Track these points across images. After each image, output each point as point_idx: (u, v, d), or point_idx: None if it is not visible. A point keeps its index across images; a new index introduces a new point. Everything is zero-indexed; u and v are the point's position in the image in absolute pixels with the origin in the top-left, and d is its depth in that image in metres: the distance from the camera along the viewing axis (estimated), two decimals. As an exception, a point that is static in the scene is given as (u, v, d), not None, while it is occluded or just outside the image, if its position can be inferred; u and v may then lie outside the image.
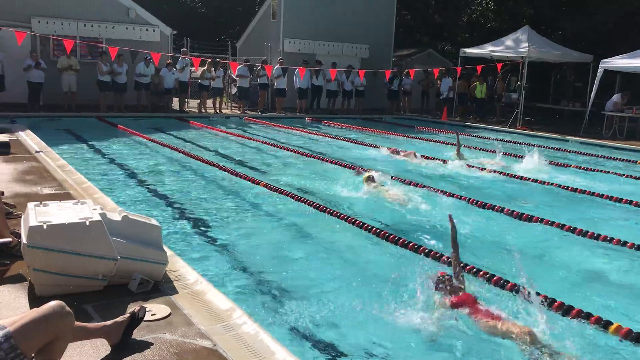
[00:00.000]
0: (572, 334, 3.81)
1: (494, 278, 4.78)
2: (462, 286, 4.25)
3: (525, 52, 18.19)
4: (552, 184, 9.09)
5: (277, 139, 14.04)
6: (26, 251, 3.51)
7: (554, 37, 21.43)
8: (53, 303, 2.61)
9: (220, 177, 9.03)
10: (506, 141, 15.37)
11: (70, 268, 3.55)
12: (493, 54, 19.49)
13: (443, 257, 5.21)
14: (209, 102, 19.05)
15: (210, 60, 18.77)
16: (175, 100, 19.00)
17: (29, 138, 10.21)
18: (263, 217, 6.98)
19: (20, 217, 4.39)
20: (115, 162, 10.03)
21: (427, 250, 5.43)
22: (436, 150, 12.37)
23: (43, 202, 3.91)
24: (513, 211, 7.11)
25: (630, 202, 8.00)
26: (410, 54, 25.80)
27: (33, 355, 2.55)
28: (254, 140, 13.58)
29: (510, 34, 19.68)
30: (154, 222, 4.09)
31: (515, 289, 4.49)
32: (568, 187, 8.84)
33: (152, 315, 3.38)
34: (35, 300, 3.49)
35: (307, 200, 7.31)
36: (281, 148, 12.37)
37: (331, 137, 14.65)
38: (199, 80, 18.95)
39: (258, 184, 8.31)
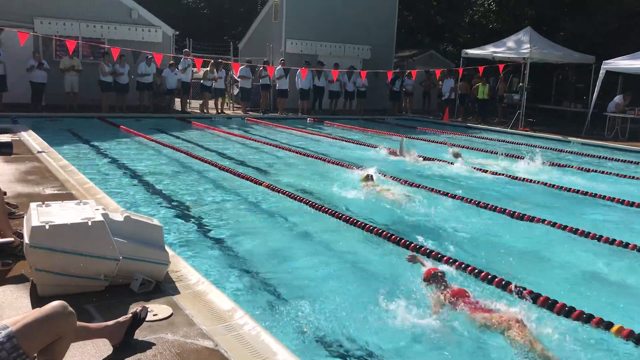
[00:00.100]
0: (573, 334, 3.81)
1: (496, 279, 4.78)
2: None
3: (527, 53, 18.17)
4: (553, 185, 9.08)
5: (278, 139, 14.04)
6: (28, 251, 3.51)
7: (556, 38, 21.41)
8: (55, 303, 2.62)
9: (222, 177, 9.04)
10: (508, 142, 15.37)
11: (72, 268, 3.55)
12: (495, 55, 19.48)
13: (445, 258, 5.21)
14: (211, 103, 19.07)
15: (212, 61, 18.78)
16: (177, 101, 19.02)
17: (31, 138, 10.23)
18: (265, 217, 6.98)
19: (23, 217, 4.40)
20: (117, 162, 10.04)
21: (428, 251, 5.43)
22: (437, 151, 12.37)
23: (45, 202, 3.92)
24: (514, 212, 7.11)
25: (632, 204, 7.99)
26: (412, 54, 25.80)
27: (35, 355, 2.56)
28: (255, 141, 13.59)
29: (512, 35, 19.67)
30: (155, 222, 4.09)
31: (517, 290, 4.51)
32: (570, 188, 8.83)
33: (153, 315, 3.39)
34: (37, 300, 3.50)
35: (309, 201, 7.31)
36: (283, 149, 12.38)
37: (333, 138, 14.65)
38: (201, 81, 18.97)
39: (260, 184, 8.31)
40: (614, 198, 8.24)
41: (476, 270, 4.97)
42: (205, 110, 18.79)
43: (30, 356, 2.49)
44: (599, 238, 6.21)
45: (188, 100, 19.04)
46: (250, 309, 3.86)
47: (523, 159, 11.15)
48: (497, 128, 18.47)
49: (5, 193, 5.34)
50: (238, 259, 5.38)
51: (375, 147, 12.52)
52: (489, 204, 7.48)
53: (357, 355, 3.68)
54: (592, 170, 10.89)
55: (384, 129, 17.29)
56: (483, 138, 16.19)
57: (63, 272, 3.54)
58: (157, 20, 19.16)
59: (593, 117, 17.66)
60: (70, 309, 2.64)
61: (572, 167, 11.28)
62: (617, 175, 10.56)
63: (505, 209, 7.25)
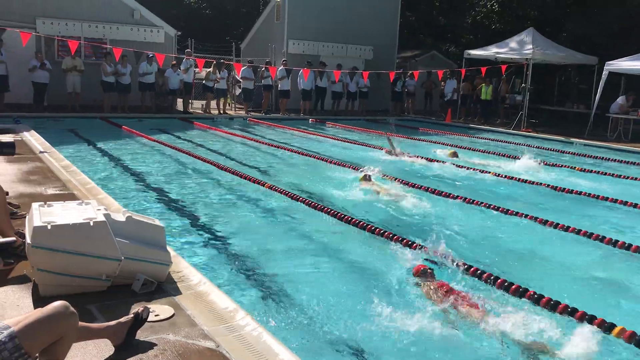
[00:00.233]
0: (574, 335, 3.81)
1: (498, 280, 4.77)
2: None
3: (530, 53, 18.15)
4: (556, 186, 9.06)
5: (280, 140, 14.04)
6: (30, 251, 3.51)
7: (559, 39, 21.39)
8: (57, 303, 2.62)
9: (224, 178, 9.03)
10: (510, 143, 15.36)
11: (74, 268, 3.55)
12: (497, 55, 19.46)
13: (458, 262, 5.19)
14: (213, 104, 19.08)
15: (215, 61, 18.79)
16: (179, 101, 19.03)
17: (33, 138, 10.24)
18: (267, 217, 6.98)
19: (25, 217, 4.40)
20: (119, 162, 10.05)
21: (423, 247, 5.46)
22: (437, 152, 12.37)
23: (47, 203, 3.92)
24: (517, 212, 7.11)
25: (635, 205, 7.97)
26: (414, 55, 25.79)
27: (37, 355, 2.55)
28: (257, 141, 13.59)
29: (515, 35, 19.65)
30: (157, 222, 4.09)
31: (520, 291, 4.51)
32: (572, 189, 8.81)
33: (155, 315, 3.39)
34: (39, 300, 3.50)
35: (311, 201, 7.31)
36: (285, 149, 12.38)
37: (334, 139, 14.64)
38: (204, 82, 18.99)
39: (262, 185, 8.31)
40: (616, 199, 8.23)
41: (475, 270, 4.97)
42: (207, 111, 18.80)
43: (32, 356, 2.49)
44: (602, 239, 6.19)
45: (190, 101, 19.06)
46: (252, 310, 3.85)
47: (524, 159, 11.14)
48: (500, 129, 18.45)
49: (7, 193, 5.34)
50: (240, 260, 5.37)
51: (374, 148, 12.53)
52: (491, 204, 7.47)
53: (359, 355, 3.67)
54: (595, 172, 10.87)
55: (386, 129, 17.26)
56: (485, 139, 16.18)
57: (65, 272, 3.54)
58: (160, 21, 19.18)
59: (596, 118, 17.63)
60: (72, 309, 2.64)
61: (574, 168, 11.26)
62: (620, 176, 10.54)
63: (507, 210, 7.25)
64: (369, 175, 8.48)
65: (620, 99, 17.35)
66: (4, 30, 15.37)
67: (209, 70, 18.85)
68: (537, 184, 9.28)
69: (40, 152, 8.96)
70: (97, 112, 16.43)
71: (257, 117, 18.83)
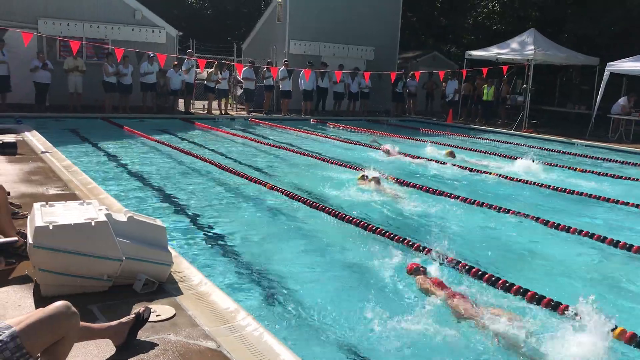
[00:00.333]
0: (574, 335, 3.80)
1: (500, 281, 4.78)
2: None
3: (531, 54, 18.14)
4: (557, 187, 9.05)
5: (282, 140, 14.05)
6: (32, 251, 3.52)
7: (560, 39, 21.38)
8: (59, 303, 2.62)
9: (225, 178, 9.04)
10: (511, 144, 15.35)
11: (75, 268, 3.56)
12: (499, 56, 19.45)
13: (448, 258, 5.20)
14: (214, 104, 19.09)
15: (216, 62, 18.81)
16: (181, 102, 19.05)
17: (34, 138, 10.25)
18: (268, 218, 6.98)
19: (26, 217, 4.41)
20: (121, 163, 10.06)
21: (421, 247, 5.52)
22: (439, 152, 12.38)
23: (49, 203, 3.93)
24: (518, 212, 7.11)
25: (637, 206, 7.97)
26: (416, 56, 25.79)
27: (39, 355, 2.56)
28: (259, 142, 13.59)
29: (516, 36, 19.65)
30: (159, 222, 4.10)
31: (521, 291, 4.52)
32: (574, 190, 8.81)
33: (156, 316, 3.39)
34: (40, 300, 3.51)
35: (312, 202, 7.31)
36: (286, 150, 12.38)
37: (335, 139, 14.64)
38: (205, 82, 19.01)
39: (264, 185, 8.32)
40: (617, 200, 8.23)
41: (469, 267, 4.97)
42: (208, 111, 18.81)
43: (34, 356, 2.50)
44: (603, 239, 6.19)
45: (191, 101, 19.07)
46: (253, 310, 3.85)
47: (525, 160, 11.15)
48: (501, 130, 18.44)
49: (9, 193, 5.34)
50: (241, 260, 5.38)
51: (374, 148, 12.55)
52: (492, 205, 7.47)
53: (360, 355, 3.67)
54: (596, 172, 10.86)
55: (387, 130, 17.28)
56: (486, 139, 16.17)
57: (66, 272, 3.55)
58: (161, 21, 19.20)
59: (597, 119, 17.62)
60: (74, 309, 2.65)
61: (575, 169, 11.25)
62: (621, 177, 10.53)
63: (509, 210, 7.25)
64: (366, 175, 8.57)
65: (622, 100, 17.34)
66: (5, 31, 15.39)
67: (210, 70, 18.86)
68: (538, 184, 9.28)
69: (42, 152, 8.97)
70: (99, 113, 16.44)
71: (259, 117, 18.84)
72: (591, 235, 6.30)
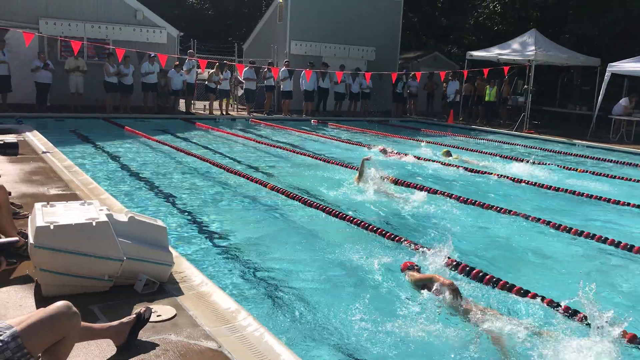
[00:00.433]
0: (575, 336, 3.81)
1: (500, 282, 4.78)
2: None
3: (532, 55, 18.13)
4: (557, 188, 9.05)
5: (283, 140, 14.05)
6: (33, 251, 3.52)
7: (561, 40, 21.37)
8: (60, 303, 2.62)
9: (226, 178, 9.04)
10: (512, 144, 15.35)
11: (76, 268, 3.56)
12: (500, 57, 19.44)
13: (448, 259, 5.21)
14: (215, 104, 19.10)
15: (218, 63, 18.82)
16: (182, 102, 19.06)
17: (35, 139, 10.26)
18: (269, 218, 6.98)
19: (27, 217, 4.41)
20: (122, 163, 10.06)
21: (418, 247, 5.53)
22: (437, 152, 12.41)
23: (50, 203, 3.93)
24: (519, 213, 7.11)
25: (638, 207, 7.96)
26: (417, 56, 25.78)
27: (40, 355, 2.56)
28: (260, 142, 13.59)
29: (517, 37, 19.64)
30: (160, 223, 4.10)
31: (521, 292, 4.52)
32: (575, 191, 8.80)
33: (157, 316, 3.39)
34: (41, 300, 3.51)
35: (313, 202, 7.32)
36: (287, 150, 12.39)
37: (336, 140, 14.65)
38: (206, 83, 19.02)
39: (265, 186, 8.32)
40: (619, 201, 8.22)
41: (474, 270, 4.97)
42: (210, 112, 18.82)
43: (35, 356, 2.50)
44: (604, 240, 6.19)
45: (192, 101, 19.08)
46: (253, 310, 3.86)
47: (525, 160, 11.15)
48: (502, 130, 18.43)
49: (10, 193, 5.34)
50: (242, 260, 5.38)
51: (372, 148, 12.59)
52: (493, 206, 7.47)
53: (360, 355, 3.67)
54: (597, 173, 10.86)
55: (388, 131, 17.28)
56: (487, 140, 16.16)
57: (67, 273, 3.55)
58: (162, 22, 19.21)
59: (598, 119, 17.61)
60: (75, 309, 2.65)
61: (576, 169, 11.25)
62: (622, 178, 10.52)
63: (510, 210, 7.25)
64: (364, 176, 8.65)
65: (623, 101, 17.33)
66: (7, 31, 15.40)
67: (211, 71, 18.87)
68: (538, 185, 9.27)
69: (43, 152, 8.97)
70: (100, 113, 16.45)
71: (259, 117, 18.84)
72: (592, 236, 6.30)
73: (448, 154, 11.88)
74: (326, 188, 8.46)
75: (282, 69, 19.28)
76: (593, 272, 5.52)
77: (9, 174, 7.04)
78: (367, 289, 4.68)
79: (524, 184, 9.40)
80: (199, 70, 19.41)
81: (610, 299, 4.84)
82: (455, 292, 4.26)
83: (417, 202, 7.63)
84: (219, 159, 10.69)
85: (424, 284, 4.50)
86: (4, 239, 4.17)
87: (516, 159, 12.00)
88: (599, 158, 13.30)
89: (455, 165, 10.76)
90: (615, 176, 10.62)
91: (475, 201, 7.73)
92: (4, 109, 14.84)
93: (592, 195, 8.53)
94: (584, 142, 16.00)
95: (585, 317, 4.03)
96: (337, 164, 10.44)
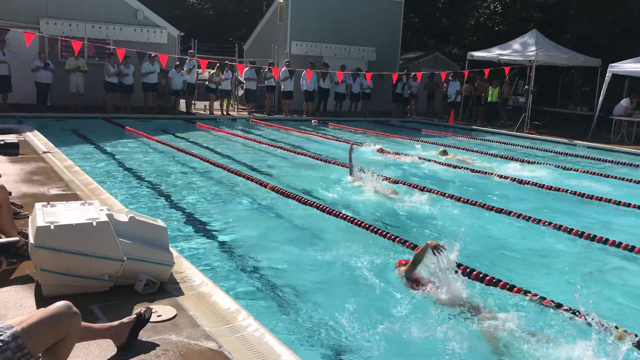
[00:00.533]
0: (576, 336, 3.81)
1: (501, 283, 4.78)
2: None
3: (533, 55, 18.13)
4: (559, 188, 9.05)
5: (283, 141, 14.05)
6: (33, 251, 3.52)
7: (562, 40, 21.36)
8: (60, 303, 2.62)
9: (226, 178, 9.04)
10: (512, 145, 15.34)
11: (76, 268, 3.56)
12: (500, 57, 19.43)
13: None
14: (216, 104, 19.10)
15: (218, 63, 18.83)
16: (182, 102, 19.06)
17: (36, 139, 10.26)
18: (269, 219, 6.99)
19: (28, 217, 4.41)
20: (122, 163, 10.06)
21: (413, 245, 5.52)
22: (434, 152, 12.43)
23: (50, 203, 3.93)
24: (520, 214, 7.10)
25: (639, 207, 7.95)
26: (417, 56, 25.78)
27: (40, 355, 2.56)
28: (260, 142, 13.60)
29: (518, 37, 19.63)
30: (160, 223, 4.10)
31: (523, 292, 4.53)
32: (575, 191, 8.80)
33: (158, 316, 3.39)
34: (42, 300, 3.51)
35: (314, 202, 7.32)
36: (288, 150, 12.38)
37: (336, 140, 14.64)
38: (207, 83, 19.02)
39: (265, 186, 8.32)
40: (619, 201, 8.21)
41: (478, 275, 4.97)
42: (210, 112, 18.83)
43: (35, 356, 2.50)
44: (605, 241, 6.18)
45: (193, 102, 19.09)
46: (254, 311, 3.85)
47: (528, 162, 11.15)
48: (503, 131, 18.43)
49: (10, 193, 5.34)
50: (242, 261, 5.38)
51: (371, 148, 12.62)
52: (493, 207, 7.47)
53: (362, 355, 3.67)
54: (598, 174, 10.86)
55: (389, 131, 17.28)
56: (488, 140, 16.16)
57: (68, 273, 3.55)
58: (163, 22, 19.22)
59: (599, 120, 17.59)
60: (75, 309, 2.65)
61: (577, 170, 11.25)
62: (623, 178, 10.51)
63: (510, 211, 7.25)
64: (360, 176, 8.78)
65: (624, 101, 17.32)
66: (7, 31, 15.41)
67: (212, 71, 18.88)
68: (539, 185, 9.27)
69: (44, 152, 8.97)
70: (100, 113, 16.45)
71: (260, 118, 18.85)
72: (592, 238, 6.29)
73: (444, 153, 11.95)
74: (326, 188, 8.46)
75: (283, 69, 19.28)
76: (592, 273, 5.52)
77: (9, 173, 7.04)
78: (367, 288, 4.68)
79: (523, 184, 9.39)
80: (200, 71, 19.41)
81: (610, 299, 4.84)
82: (438, 247, 4.48)
83: (414, 201, 7.68)
84: (220, 159, 10.69)
85: (413, 269, 4.63)
86: (4, 239, 4.17)
87: (516, 160, 12.00)
88: (600, 159, 13.29)
89: (453, 165, 10.80)
90: (615, 177, 10.61)
91: (476, 202, 7.73)
92: (4, 109, 14.84)
93: (592, 196, 8.52)
94: (584, 142, 15.99)
95: (586, 318, 4.02)
96: (338, 164, 10.43)
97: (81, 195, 6.20)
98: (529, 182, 9.44)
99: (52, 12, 17.35)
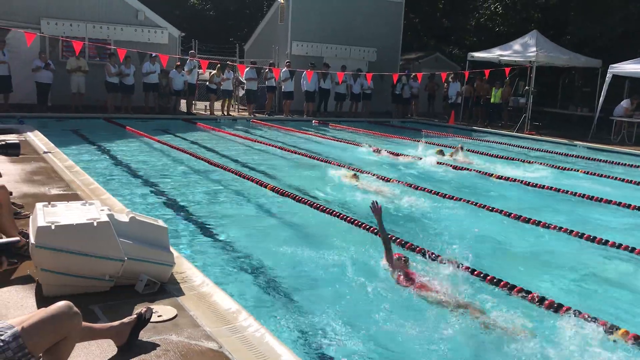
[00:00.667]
0: (577, 337, 3.81)
1: (502, 283, 4.78)
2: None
3: (534, 56, 18.12)
4: (558, 189, 9.05)
5: (284, 141, 14.05)
6: (34, 251, 3.52)
7: (562, 41, 21.36)
8: (61, 303, 2.62)
9: (227, 179, 9.05)
10: (513, 145, 15.34)
11: (77, 268, 3.56)
12: (501, 58, 19.43)
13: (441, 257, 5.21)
14: (217, 105, 19.11)
15: (219, 64, 18.83)
16: (183, 102, 19.07)
17: (37, 139, 10.26)
18: (270, 219, 7.00)
19: (28, 217, 4.42)
20: (123, 163, 10.07)
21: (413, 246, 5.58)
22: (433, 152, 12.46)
23: (51, 203, 3.93)
24: (520, 216, 7.10)
25: (639, 208, 7.95)
26: (418, 57, 25.78)
27: (40, 355, 2.56)
28: (261, 142, 13.60)
29: (519, 38, 19.62)
30: (161, 223, 4.10)
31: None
32: (576, 192, 8.80)
33: (158, 316, 3.39)
34: (42, 300, 3.51)
35: (314, 203, 7.32)
36: (288, 151, 12.39)
37: (337, 140, 14.64)
38: (207, 84, 19.02)
39: (265, 186, 8.32)
40: (620, 202, 8.21)
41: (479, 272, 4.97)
42: (210, 112, 18.83)
43: (36, 356, 2.50)
44: (605, 242, 6.19)
45: (193, 102, 19.10)
46: (254, 311, 3.85)
47: (528, 162, 11.16)
48: (503, 131, 18.42)
49: (11, 193, 5.34)
50: (242, 261, 5.38)
51: (372, 148, 12.62)
52: (494, 207, 7.47)
53: (363, 355, 3.67)
54: (598, 174, 10.86)
55: (389, 131, 17.28)
56: (488, 141, 16.15)
57: (68, 272, 3.55)
58: (163, 22, 19.22)
59: (599, 121, 17.59)
60: (76, 309, 2.65)
61: (577, 170, 11.25)
62: (623, 179, 10.51)
63: (510, 213, 7.24)
64: (357, 174, 8.91)
65: (625, 102, 17.32)
66: (8, 31, 15.42)
67: (212, 72, 18.89)
68: (539, 186, 9.27)
69: (44, 152, 8.98)
70: (101, 113, 16.46)
71: (261, 118, 18.86)
72: (593, 239, 6.29)
73: (441, 153, 11.98)
74: (327, 188, 8.47)
75: (284, 69, 19.28)
76: (592, 273, 5.52)
77: (10, 174, 7.04)
78: (368, 289, 4.67)
79: (524, 184, 9.39)
80: (200, 71, 19.41)
81: (611, 300, 4.84)
82: (373, 205, 4.96)
83: (412, 201, 7.71)
84: (220, 160, 10.69)
85: (387, 249, 4.92)
86: (5, 239, 4.17)
87: (516, 160, 12.00)
88: (600, 159, 13.29)
89: (450, 165, 10.81)
90: (616, 177, 10.61)
91: (476, 203, 7.73)
92: (5, 109, 14.85)
93: (592, 197, 8.52)
94: (585, 143, 15.99)
95: (587, 318, 4.02)
96: (338, 165, 10.44)
97: (82, 196, 6.20)
98: (528, 182, 9.45)
99: (53, 12, 17.36)
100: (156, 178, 8.97)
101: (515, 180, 9.67)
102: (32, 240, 3.56)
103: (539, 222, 6.86)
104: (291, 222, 6.85)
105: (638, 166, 12.35)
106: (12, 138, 9.32)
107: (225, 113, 19.08)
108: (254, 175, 9.12)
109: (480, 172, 10.37)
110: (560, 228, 6.63)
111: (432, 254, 5.27)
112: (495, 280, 4.85)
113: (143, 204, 7.20)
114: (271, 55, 21.64)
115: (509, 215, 7.19)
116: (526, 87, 19.45)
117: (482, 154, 12.92)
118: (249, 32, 29.13)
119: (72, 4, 17.59)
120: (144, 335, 3.13)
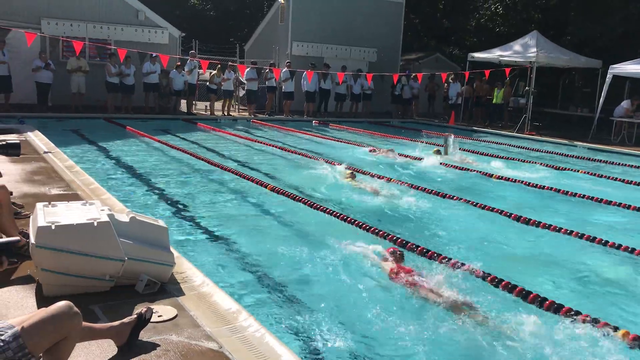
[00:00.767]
0: (578, 337, 3.81)
1: (502, 283, 4.78)
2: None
3: (534, 57, 18.12)
4: (559, 189, 9.05)
5: (284, 141, 14.05)
6: (34, 251, 3.52)
7: (563, 42, 21.36)
8: (61, 303, 2.62)
9: (227, 179, 9.05)
10: (513, 146, 15.34)
11: (77, 268, 3.56)
12: (501, 58, 19.43)
13: (441, 257, 5.21)
14: (217, 105, 19.11)
15: (219, 65, 18.84)
16: (183, 102, 19.07)
17: (37, 139, 10.27)
18: (270, 219, 7.00)
19: (29, 217, 4.42)
20: (123, 163, 10.07)
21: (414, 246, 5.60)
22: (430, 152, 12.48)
23: (51, 203, 3.93)
24: (520, 216, 7.10)
25: (639, 209, 7.95)
26: (418, 57, 25.79)
27: (41, 355, 2.56)
28: (261, 142, 13.60)
29: (519, 38, 19.62)
30: (161, 223, 4.10)
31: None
32: (576, 193, 8.80)
33: (158, 316, 3.39)
34: (43, 300, 3.51)
35: (314, 203, 7.32)
36: (288, 151, 12.39)
37: (337, 140, 14.65)
38: (207, 84, 19.03)
39: (265, 186, 8.32)
40: (620, 203, 8.20)
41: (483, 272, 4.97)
42: (210, 112, 18.84)
43: (36, 356, 2.50)
44: (605, 243, 6.19)
45: (193, 102, 19.10)
46: (254, 311, 3.86)
47: (528, 162, 11.15)
48: (503, 132, 18.42)
49: (11, 193, 5.34)
50: (243, 261, 5.38)
51: (370, 149, 12.63)
52: (494, 208, 7.47)
53: (363, 355, 3.67)
54: (598, 175, 10.85)
55: (390, 132, 17.28)
56: (488, 141, 16.15)
57: (68, 272, 3.55)
58: (164, 22, 19.23)
59: (600, 121, 17.59)
60: (76, 309, 2.65)
61: (577, 171, 11.24)
62: (623, 180, 10.51)
63: (510, 214, 7.24)
64: (354, 173, 8.98)
65: (625, 103, 17.32)
66: (8, 31, 15.42)
67: (213, 72, 18.89)
68: (539, 186, 9.27)
69: (45, 152, 8.98)
70: (101, 113, 16.46)
71: (261, 118, 18.86)
72: (593, 239, 6.29)
73: (438, 152, 11.99)
74: (327, 189, 8.47)
75: (284, 69, 19.29)
76: (592, 274, 5.52)
77: (10, 173, 7.04)
78: (369, 289, 4.67)
79: (523, 184, 9.39)
80: (201, 71, 19.41)
81: (611, 301, 4.84)
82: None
83: (411, 200, 7.73)
84: (220, 160, 10.69)
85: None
86: (5, 239, 4.17)
87: (516, 160, 12.00)
88: (600, 160, 13.29)
89: (449, 165, 10.82)
90: (616, 178, 10.61)
91: (476, 203, 7.73)
92: (6, 109, 14.86)
93: (592, 197, 8.52)
94: (585, 144, 15.99)
95: (587, 319, 4.03)
96: (338, 165, 10.43)
97: (82, 195, 6.20)
98: (529, 183, 9.45)
99: (53, 12, 17.36)
100: (156, 178, 8.97)
101: (515, 180, 9.66)
102: (32, 240, 3.56)
103: (539, 222, 6.86)
104: (291, 222, 6.85)
105: (638, 167, 12.35)
106: (12, 138, 9.32)
107: (226, 113, 19.08)
108: (254, 176, 9.12)
109: (480, 172, 10.38)
110: (560, 228, 6.62)
111: (433, 253, 5.28)
112: (496, 280, 4.85)
113: (143, 204, 7.20)
114: (271, 55, 21.64)
115: (509, 215, 7.18)
116: (526, 88, 19.45)
117: (482, 154, 12.92)
118: (249, 32, 29.13)
119: (73, 4, 17.60)
120: (144, 335, 3.13)
